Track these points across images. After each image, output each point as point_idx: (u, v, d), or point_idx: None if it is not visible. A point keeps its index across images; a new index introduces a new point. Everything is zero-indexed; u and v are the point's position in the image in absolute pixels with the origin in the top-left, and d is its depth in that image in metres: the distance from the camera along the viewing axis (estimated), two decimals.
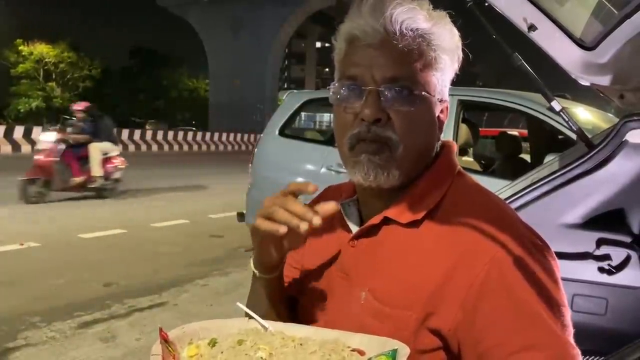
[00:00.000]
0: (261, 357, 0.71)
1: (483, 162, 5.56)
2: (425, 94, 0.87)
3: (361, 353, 0.75)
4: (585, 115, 4.68)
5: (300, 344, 0.75)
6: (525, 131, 5.90)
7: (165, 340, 0.74)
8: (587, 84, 1.59)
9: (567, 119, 1.70)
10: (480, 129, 6.91)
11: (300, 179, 5.26)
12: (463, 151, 4.96)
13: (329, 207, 0.84)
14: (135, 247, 6.55)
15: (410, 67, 0.85)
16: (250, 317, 0.83)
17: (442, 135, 0.95)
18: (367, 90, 0.86)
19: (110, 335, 3.92)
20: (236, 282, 5.30)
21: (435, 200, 0.88)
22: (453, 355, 0.82)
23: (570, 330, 0.80)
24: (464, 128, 4.77)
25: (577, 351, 0.77)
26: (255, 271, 0.94)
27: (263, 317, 0.85)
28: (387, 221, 0.89)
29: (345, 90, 0.88)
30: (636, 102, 1.50)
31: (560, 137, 4.63)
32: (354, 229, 0.95)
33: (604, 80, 1.49)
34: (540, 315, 0.77)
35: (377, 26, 0.85)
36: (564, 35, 1.50)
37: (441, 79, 0.89)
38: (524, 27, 1.55)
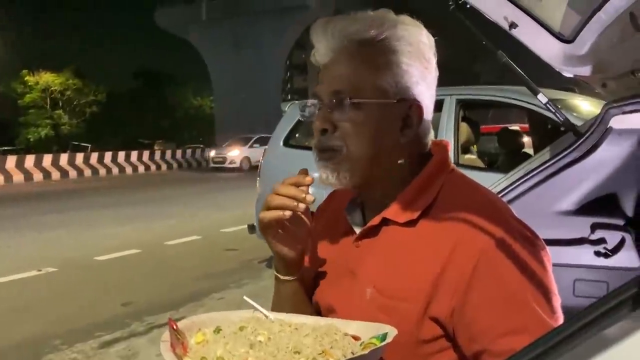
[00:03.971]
0: (260, 341, 0.79)
1: (486, 159, 5.60)
2: (370, 100, 0.93)
3: (356, 338, 0.82)
4: (588, 107, 4.71)
5: (296, 329, 0.82)
6: (526, 126, 5.93)
7: (174, 329, 0.81)
8: (571, 75, 1.64)
9: (554, 110, 1.76)
10: (483, 126, 6.94)
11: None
12: (465, 149, 5.00)
13: (306, 180, 0.94)
14: (151, 265, 6.65)
15: (352, 78, 0.93)
16: (255, 310, 0.90)
17: (430, 133, 1.00)
18: (318, 105, 0.97)
19: (131, 353, 4.00)
20: (252, 293, 5.32)
21: (429, 199, 0.94)
22: (454, 341, 0.89)
23: (559, 316, 0.86)
24: (464, 127, 4.81)
25: None
26: (279, 275, 1.03)
27: None
28: (386, 222, 0.96)
29: (310, 105, 1.00)
30: (617, 90, 1.55)
31: (562, 129, 4.66)
32: (358, 230, 1.01)
33: (585, 71, 1.55)
34: (528, 301, 0.83)
35: (328, 46, 0.95)
36: (544, 30, 1.56)
37: (397, 80, 0.93)
38: (505, 26, 1.61)
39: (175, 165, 25.93)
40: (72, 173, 21.42)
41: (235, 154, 24.91)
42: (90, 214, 10.77)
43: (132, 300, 5.20)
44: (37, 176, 20.35)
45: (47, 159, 21.35)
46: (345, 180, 0.95)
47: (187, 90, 51.13)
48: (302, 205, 0.92)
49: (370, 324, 0.84)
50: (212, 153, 25.59)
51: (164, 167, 25.31)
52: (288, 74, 60.71)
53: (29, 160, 20.85)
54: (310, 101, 0.99)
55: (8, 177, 19.48)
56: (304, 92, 65.22)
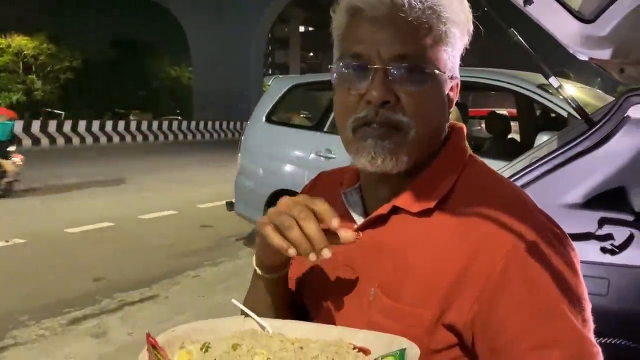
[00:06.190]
0: None
1: (472, 142, 5.53)
2: (437, 71, 0.80)
3: (366, 352, 0.70)
4: (572, 91, 4.65)
5: (301, 347, 0.69)
6: (514, 110, 5.87)
7: (153, 347, 0.67)
8: (586, 58, 1.53)
9: (565, 96, 1.65)
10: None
11: (289, 166, 5.20)
12: None
13: (348, 236, 0.76)
14: (123, 240, 6.47)
15: (420, 43, 0.78)
16: (247, 315, 0.77)
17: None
18: (373, 70, 0.78)
19: (102, 331, 3.86)
20: (228, 271, 5.26)
21: (447, 186, 0.83)
22: (468, 350, 0.77)
23: (591, 326, 0.75)
24: (453, 109, 4.72)
25: (598, 349, 0.73)
26: (258, 270, 0.87)
27: (263, 316, 0.80)
28: (395, 210, 0.83)
29: (348, 70, 0.81)
30: (637, 76, 1.45)
31: (552, 115, 4.59)
32: (359, 219, 0.88)
33: (604, 54, 1.44)
34: (561, 309, 0.72)
35: None
36: (562, 8, 1.44)
37: (452, 54, 0.82)
38: (520, 1, 1.49)
39: (151, 136, 25.35)
40: (44, 141, 20.82)
41: None
42: (61, 184, 10.47)
43: (104, 276, 5.04)
44: None
45: (18, 125, 20.67)
46: (402, 164, 0.80)
47: (164, 60, 50.12)
48: (312, 258, 0.73)
49: (380, 334, 0.72)
50: None
51: (139, 138, 24.73)
52: (269, 48, 59.86)
53: None
54: (355, 62, 0.80)
55: None
56: (285, 67, 64.60)
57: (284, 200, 0.77)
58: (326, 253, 0.73)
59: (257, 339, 0.71)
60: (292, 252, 0.74)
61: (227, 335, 0.73)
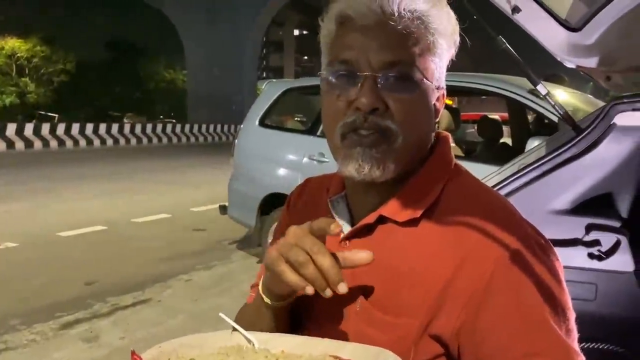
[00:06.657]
0: None
1: (464, 146, 5.56)
2: (425, 80, 0.81)
3: None
4: (564, 96, 4.68)
5: None
6: (505, 115, 5.90)
7: None
8: (573, 66, 1.55)
9: (553, 103, 1.66)
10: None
11: (282, 170, 5.21)
12: None
13: (364, 257, 0.74)
14: (116, 243, 6.44)
15: (408, 51, 0.79)
16: (234, 329, 0.78)
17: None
18: (362, 76, 0.79)
19: (93, 335, 3.85)
20: (220, 275, 5.25)
21: (433, 196, 0.83)
22: None
23: (575, 335, 0.77)
24: (444, 113, 4.75)
25: (582, 358, 0.74)
26: (266, 299, 0.84)
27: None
28: (382, 220, 0.84)
29: (337, 76, 0.82)
30: (623, 84, 1.47)
31: (545, 121, 4.62)
32: (345, 227, 0.88)
33: (590, 62, 1.46)
34: (546, 319, 0.73)
35: (374, 6, 0.78)
36: (549, 17, 1.46)
37: (439, 64, 0.83)
38: (507, 9, 1.50)
39: (145, 140, 25.25)
40: (37, 144, 20.72)
41: None
42: (54, 187, 10.42)
43: (96, 280, 5.02)
44: (0, 146, 19.65)
45: (11, 128, 20.57)
46: (390, 173, 0.81)
47: (158, 63, 49.97)
48: (328, 294, 0.70)
49: (368, 347, 0.72)
50: None
51: (133, 141, 24.63)
52: (264, 51, 59.81)
53: None
54: (344, 69, 0.81)
55: None
56: (279, 70, 64.55)
57: (293, 230, 0.74)
58: (342, 288, 0.69)
59: (243, 354, 0.71)
60: (309, 290, 0.71)
61: (213, 350, 0.73)
